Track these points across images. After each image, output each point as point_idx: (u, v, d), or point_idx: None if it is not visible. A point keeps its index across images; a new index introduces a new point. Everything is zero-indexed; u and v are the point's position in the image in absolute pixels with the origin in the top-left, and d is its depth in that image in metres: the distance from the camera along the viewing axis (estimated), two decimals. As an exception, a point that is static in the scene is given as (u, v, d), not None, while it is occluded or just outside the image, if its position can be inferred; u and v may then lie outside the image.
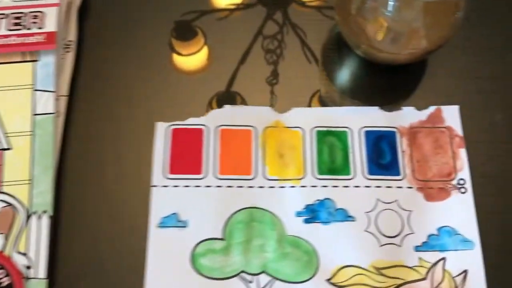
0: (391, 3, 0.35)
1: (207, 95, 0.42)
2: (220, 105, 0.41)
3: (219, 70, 0.43)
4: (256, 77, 0.42)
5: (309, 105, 0.41)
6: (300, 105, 0.41)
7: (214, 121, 0.40)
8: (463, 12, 0.36)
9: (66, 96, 0.41)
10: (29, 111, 0.39)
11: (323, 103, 0.42)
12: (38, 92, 0.40)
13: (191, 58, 0.44)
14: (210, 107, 0.41)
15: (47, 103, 0.40)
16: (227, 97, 0.42)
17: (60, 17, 0.41)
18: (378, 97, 0.42)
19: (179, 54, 0.43)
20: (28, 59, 0.40)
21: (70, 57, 0.42)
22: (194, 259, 0.37)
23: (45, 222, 0.37)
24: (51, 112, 0.39)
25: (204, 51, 0.44)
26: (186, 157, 0.39)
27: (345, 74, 0.43)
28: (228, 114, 0.40)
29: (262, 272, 0.36)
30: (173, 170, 0.39)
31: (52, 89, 0.40)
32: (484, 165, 0.39)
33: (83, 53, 0.43)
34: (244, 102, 0.42)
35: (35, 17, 0.41)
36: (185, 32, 0.44)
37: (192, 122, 0.40)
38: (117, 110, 0.41)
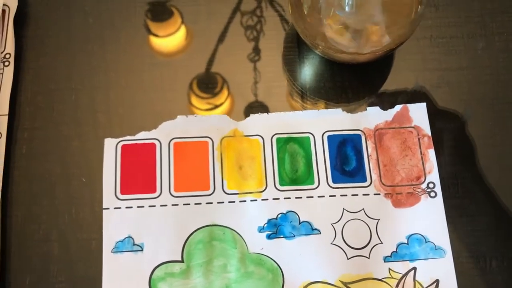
0: (346, 2, 0.32)
1: (187, 78, 0.39)
2: (200, 88, 0.39)
3: (197, 50, 0.40)
4: (237, 55, 0.40)
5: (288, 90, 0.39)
6: (283, 83, 0.39)
7: (167, 134, 0.37)
8: (424, 7, 0.33)
9: (7, 115, 0.38)
10: (-34, 134, 0.37)
11: (284, 106, 0.39)
12: (-26, 114, 0.37)
13: (167, 40, 0.41)
14: (190, 90, 0.39)
15: (-15, 124, 0.37)
16: (207, 79, 0.39)
17: (-8, 30, 0.38)
18: (341, 97, 0.39)
19: (155, 36, 0.41)
20: (-39, 78, 0.37)
21: (9, 72, 0.39)
22: (152, 284, 0.35)
23: (-8, 254, 0.35)
24: (-10, 134, 0.37)
25: (182, 31, 0.41)
26: (138, 175, 0.37)
27: (306, 74, 0.40)
28: (182, 126, 0.38)
29: (225, 293, 0.34)
30: (125, 190, 0.36)
31: (-11, 109, 0.37)
32: (453, 165, 0.37)
33: (23, 66, 0.40)
34: (226, 82, 0.39)
35: (-36, 31, 0.38)
36: (157, 14, 0.41)
37: (142, 136, 0.37)
38: (64, 126, 0.39)
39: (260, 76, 0.40)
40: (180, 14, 0.41)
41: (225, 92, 0.39)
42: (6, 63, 0.39)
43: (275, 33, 0.41)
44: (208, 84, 0.39)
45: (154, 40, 0.41)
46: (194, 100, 0.39)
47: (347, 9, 0.33)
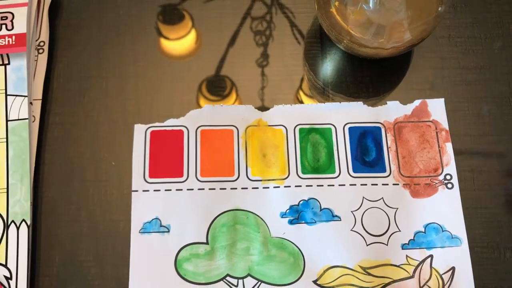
0: (372, -3, 0.34)
1: (196, 80, 0.41)
2: (209, 90, 0.40)
3: (208, 53, 0.42)
4: (246, 60, 0.41)
5: (296, 95, 0.40)
6: (289, 90, 0.40)
7: (194, 121, 0.39)
8: (446, 5, 0.34)
9: (41, 100, 0.40)
10: (2, 117, 0.38)
11: (306, 98, 0.41)
12: (10, 97, 0.38)
13: (179, 42, 0.42)
14: (199, 92, 0.40)
15: (21, 108, 0.38)
16: (216, 82, 0.41)
17: (29, 18, 0.40)
18: (362, 91, 0.41)
19: (166, 38, 0.42)
20: (-1, 62, 0.39)
21: (43, 59, 0.40)
22: (178, 264, 0.36)
23: (24, 231, 0.36)
24: (25, 117, 0.38)
25: (192, 35, 0.42)
26: (167, 160, 0.38)
27: (328, 68, 0.41)
28: (208, 114, 0.39)
29: (248, 275, 0.36)
30: (153, 174, 0.38)
31: (25, 94, 0.39)
32: (470, 159, 0.39)
33: (56, 54, 0.41)
34: (234, 86, 0.41)
35: (4, 18, 0.39)
36: (171, 17, 0.43)
37: (171, 123, 0.39)
38: (94, 111, 0.40)
39: (267, 81, 0.41)
40: (191, 17, 0.43)
41: (233, 95, 0.41)
42: (41, 51, 0.41)
43: (284, 39, 0.42)
44: (217, 86, 0.41)
45: (165, 43, 0.42)
46: (203, 102, 0.40)
47: (372, 5, 0.35)
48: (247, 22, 0.43)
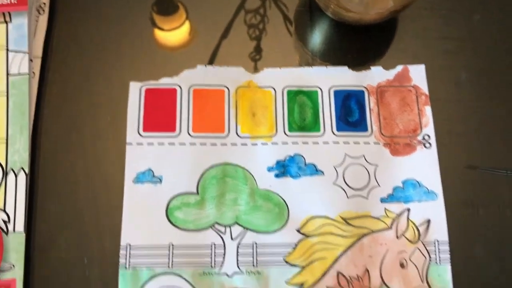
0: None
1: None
2: None
3: (201, 45, 0.43)
4: (239, 53, 0.43)
5: (285, 61, 0.42)
6: (279, 57, 0.42)
7: (187, 81, 0.41)
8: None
9: (40, 57, 0.41)
10: (3, 71, 0.40)
11: (295, 63, 0.43)
12: (11, 53, 0.40)
13: (173, 33, 0.44)
14: None
15: (21, 63, 0.40)
16: None
17: (32, -22, 0.42)
18: (347, 58, 0.43)
19: (160, 29, 0.44)
20: (1, 20, 0.41)
21: (43, 20, 0.42)
22: (169, 212, 0.38)
23: (22, 178, 0.38)
24: (26, 72, 0.40)
25: (186, 26, 0.44)
26: (160, 115, 0.40)
27: (316, 36, 0.43)
28: (201, 74, 0.41)
29: (235, 223, 0.38)
30: (147, 128, 0.40)
31: (26, 50, 0.40)
32: (448, 122, 0.41)
33: (56, 16, 0.43)
34: None
35: (7, -23, 0.41)
36: (166, 6, 0.44)
37: (165, 82, 0.41)
38: (92, 70, 0.42)
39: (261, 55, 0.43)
40: (185, 9, 0.44)
41: None
42: (41, 12, 0.42)
43: (277, 32, 0.44)
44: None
45: (158, 33, 0.44)
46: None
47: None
48: (241, 15, 0.44)
